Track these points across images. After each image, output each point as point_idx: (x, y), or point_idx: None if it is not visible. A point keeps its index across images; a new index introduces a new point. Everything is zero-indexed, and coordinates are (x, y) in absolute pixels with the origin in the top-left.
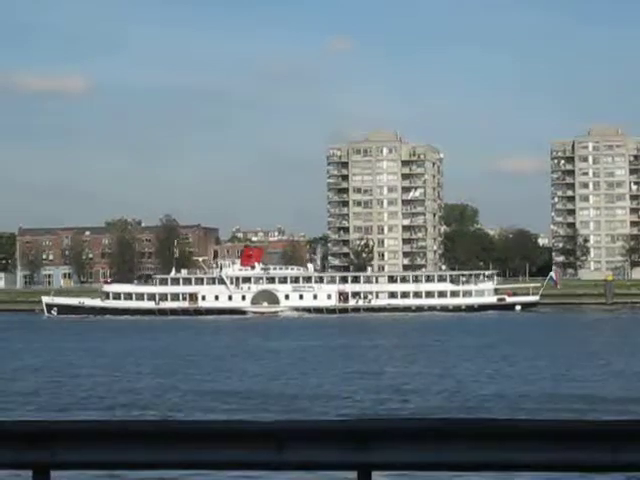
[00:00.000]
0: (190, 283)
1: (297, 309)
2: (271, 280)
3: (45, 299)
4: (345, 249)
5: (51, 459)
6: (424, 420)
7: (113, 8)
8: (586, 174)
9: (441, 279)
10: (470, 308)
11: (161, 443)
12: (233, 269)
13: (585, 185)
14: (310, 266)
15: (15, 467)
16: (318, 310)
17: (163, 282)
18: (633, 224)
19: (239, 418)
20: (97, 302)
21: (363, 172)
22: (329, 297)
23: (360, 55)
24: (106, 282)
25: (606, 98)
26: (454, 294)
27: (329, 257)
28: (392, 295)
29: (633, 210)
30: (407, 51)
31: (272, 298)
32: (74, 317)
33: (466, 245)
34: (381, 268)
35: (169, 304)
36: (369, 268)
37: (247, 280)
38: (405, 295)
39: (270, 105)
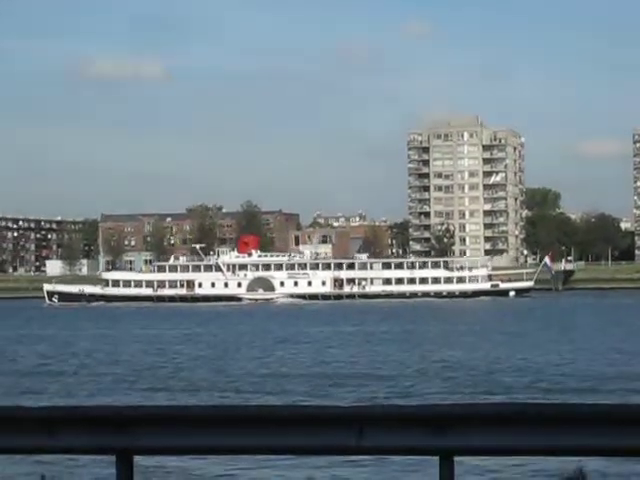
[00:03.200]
0: (187, 270)
1: (292, 296)
2: (267, 267)
3: (46, 287)
4: (426, 234)
5: (134, 444)
6: (505, 404)
7: None
8: None
9: (435, 265)
10: (464, 294)
11: (241, 428)
12: (230, 256)
13: None
14: (306, 252)
15: (99, 452)
16: (313, 297)
17: (161, 269)
18: None
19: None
20: (97, 289)
21: (444, 157)
22: (324, 284)
23: (438, 39)
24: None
25: None
26: (448, 280)
27: (410, 242)
28: (387, 281)
29: None
30: (486, 34)
31: (267, 285)
32: (75, 305)
33: (548, 230)
34: (462, 253)
35: (167, 291)
36: (451, 253)
37: (243, 267)
38: (399, 281)
39: (350, 90)
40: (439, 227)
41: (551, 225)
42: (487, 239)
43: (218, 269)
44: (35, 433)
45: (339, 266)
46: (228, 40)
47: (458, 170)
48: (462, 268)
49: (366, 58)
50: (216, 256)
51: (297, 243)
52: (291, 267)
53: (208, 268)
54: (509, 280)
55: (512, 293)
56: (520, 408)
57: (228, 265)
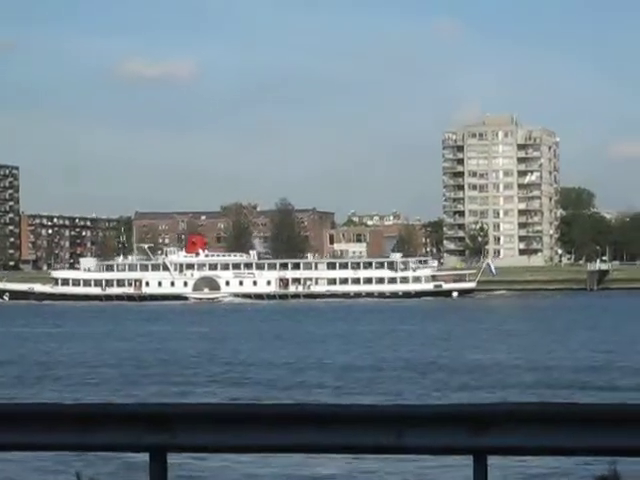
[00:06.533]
0: (136, 269)
1: (237, 295)
2: (213, 267)
3: None
4: (461, 233)
5: (168, 442)
6: (540, 404)
7: None
8: None
9: (379, 266)
10: (407, 294)
11: (279, 426)
12: (178, 256)
13: None
14: (252, 252)
15: (132, 450)
16: (258, 296)
17: (110, 268)
18: None
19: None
20: (46, 288)
21: (479, 156)
22: (269, 283)
23: (471, 37)
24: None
25: None
26: (392, 280)
27: (444, 241)
28: (331, 281)
29: None
30: (518, 33)
31: (213, 284)
32: (24, 302)
33: (582, 229)
34: (496, 252)
35: (115, 290)
36: (485, 252)
37: (190, 267)
38: (344, 281)
39: (382, 89)
40: (473, 226)
41: (586, 224)
42: (521, 238)
43: (165, 268)
44: (70, 430)
45: (284, 266)
46: (259, 39)
47: (493, 169)
48: (406, 268)
49: (399, 57)
50: (164, 255)
51: (331, 242)
52: (237, 267)
53: (156, 267)
54: (453, 281)
55: (455, 294)
56: (552, 408)
57: (175, 264)
